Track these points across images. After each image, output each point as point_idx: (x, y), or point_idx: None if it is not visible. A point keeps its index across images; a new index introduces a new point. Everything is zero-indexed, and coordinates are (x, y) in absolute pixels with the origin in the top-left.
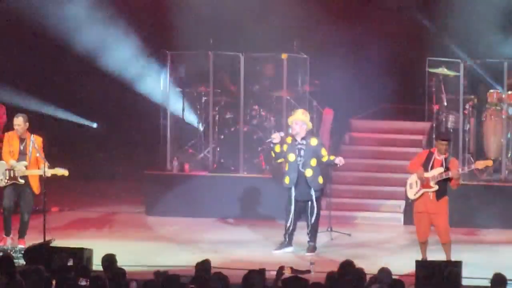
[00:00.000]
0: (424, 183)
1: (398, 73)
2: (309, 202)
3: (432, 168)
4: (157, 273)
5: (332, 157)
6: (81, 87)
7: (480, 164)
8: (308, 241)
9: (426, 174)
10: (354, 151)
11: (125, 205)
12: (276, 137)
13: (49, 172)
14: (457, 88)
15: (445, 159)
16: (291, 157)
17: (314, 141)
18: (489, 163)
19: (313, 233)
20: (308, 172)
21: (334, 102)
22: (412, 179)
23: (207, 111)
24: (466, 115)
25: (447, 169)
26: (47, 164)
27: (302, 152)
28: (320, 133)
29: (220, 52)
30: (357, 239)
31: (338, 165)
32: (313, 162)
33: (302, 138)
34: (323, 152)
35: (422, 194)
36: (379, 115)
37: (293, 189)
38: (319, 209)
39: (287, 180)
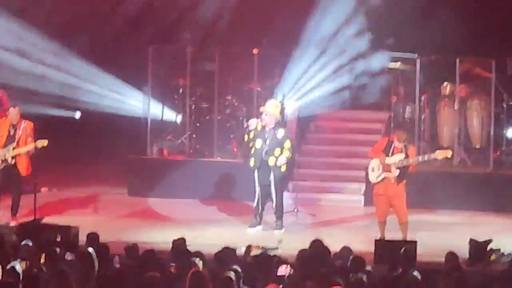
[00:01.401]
0: (386, 168)
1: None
2: (271, 186)
3: (392, 154)
4: (128, 248)
5: (287, 154)
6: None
7: (440, 154)
8: (275, 221)
9: (388, 160)
10: (319, 138)
11: (109, 187)
12: (253, 123)
13: (32, 146)
14: (413, 81)
15: (404, 146)
16: (258, 143)
17: (281, 133)
18: (448, 153)
19: (278, 214)
20: (271, 161)
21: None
22: (374, 163)
23: (184, 101)
24: (422, 106)
25: (406, 156)
26: (35, 144)
27: (267, 141)
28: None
29: (198, 46)
30: (321, 219)
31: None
32: (277, 151)
33: (271, 128)
34: (286, 144)
35: (384, 178)
36: (342, 104)
37: (256, 172)
38: (280, 192)
39: (251, 162)
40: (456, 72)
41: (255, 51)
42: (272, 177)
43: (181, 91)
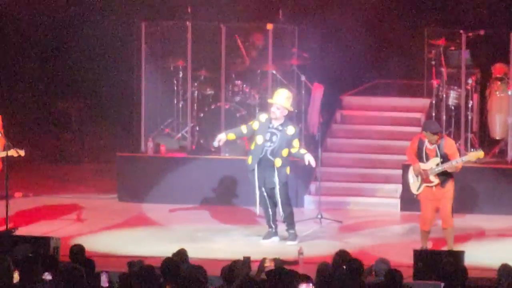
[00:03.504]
0: (424, 178)
1: (393, 45)
2: (276, 190)
3: (427, 158)
4: (131, 264)
5: (303, 151)
6: (45, 63)
7: (473, 156)
8: (286, 230)
9: (423, 166)
10: (346, 130)
11: (95, 190)
12: (219, 141)
13: (2, 154)
14: (459, 61)
15: (438, 145)
16: (259, 139)
17: (291, 130)
18: (481, 154)
19: (288, 221)
20: (278, 162)
21: (324, 77)
22: (412, 172)
23: (185, 87)
24: (469, 90)
25: (445, 157)
26: (6, 142)
27: (274, 138)
28: (309, 111)
29: (200, 22)
30: (349, 227)
31: (307, 164)
32: (285, 152)
33: (280, 124)
34: (295, 143)
35: (425, 188)
36: (373, 91)
37: (256, 172)
38: (287, 196)
39: (249, 160)
40: (510, 50)
41: (269, 26)
42: (276, 180)
43: (181, 75)
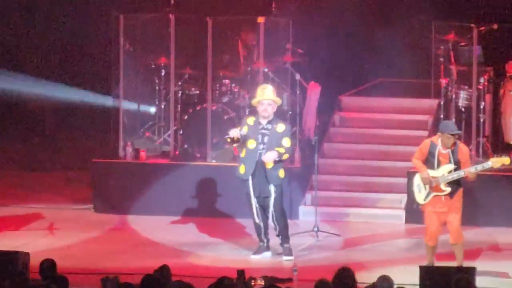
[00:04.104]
0: (434, 186)
1: (398, 40)
2: (269, 199)
3: (439, 165)
4: (105, 280)
5: (285, 156)
6: (15, 58)
7: (496, 162)
8: (282, 244)
9: (433, 173)
10: (345, 134)
11: (68, 200)
12: (234, 133)
13: None
14: (469, 58)
15: (452, 150)
16: (251, 143)
17: (281, 127)
18: (507, 160)
19: (284, 234)
20: (269, 164)
21: (321, 75)
22: (418, 180)
23: (167, 87)
24: (481, 90)
25: (457, 164)
26: None
27: (265, 139)
28: (304, 113)
29: (184, 15)
30: (349, 241)
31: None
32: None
33: (268, 122)
34: (285, 142)
35: (433, 197)
36: (375, 91)
37: (250, 181)
38: (281, 206)
39: (242, 169)
40: None
41: (260, 19)
42: (271, 187)
43: (163, 73)
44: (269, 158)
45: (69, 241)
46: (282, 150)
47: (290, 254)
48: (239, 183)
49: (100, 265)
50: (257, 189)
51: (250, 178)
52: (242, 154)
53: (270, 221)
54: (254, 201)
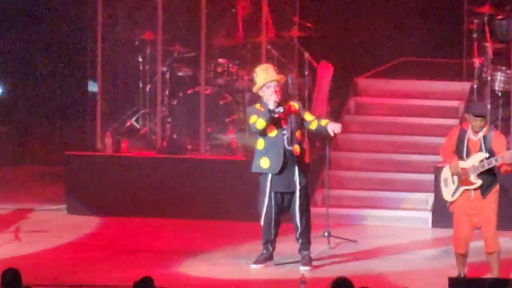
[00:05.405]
0: (463, 178)
1: (424, 14)
2: (296, 194)
3: (468, 154)
4: None
5: (323, 122)
6: None
7: None
8: (300, 250)
9: (463, 164)
10: (362, 122)
11: (38, 200)
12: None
13: None
14: (507, 34)
15: (484, 137)
16: (270, 131)
17: (295, 105)
18: None
19: (306, 238)
20: (297, 148)
21: (334, 54)
22: (446, 173)
23: (153, 67)
24: None
25: (490, 152)
26: None
27: (282, 123)
28: (313, 97)
29: None
30: (366, 248)
31: (332, 135)
32: (298, 134)
33: (278, 105)
34: (308, 116)
35: (462, 193)
36: (397, 72)
37: (269, 176)
38: (309, 201)
39: (265, 163)
40: None
41: None
42: (298, 178)
43: (148, 50)
44: (338, 126)
45: (38, 247)
46: (324, 120)
47: (308, 264)
48: (237, 180)
49: (74, 276)
50: (281, 184)
51: (271, 172)
52: (259, 146)
53: (294, 220)
54: (273, 199)
